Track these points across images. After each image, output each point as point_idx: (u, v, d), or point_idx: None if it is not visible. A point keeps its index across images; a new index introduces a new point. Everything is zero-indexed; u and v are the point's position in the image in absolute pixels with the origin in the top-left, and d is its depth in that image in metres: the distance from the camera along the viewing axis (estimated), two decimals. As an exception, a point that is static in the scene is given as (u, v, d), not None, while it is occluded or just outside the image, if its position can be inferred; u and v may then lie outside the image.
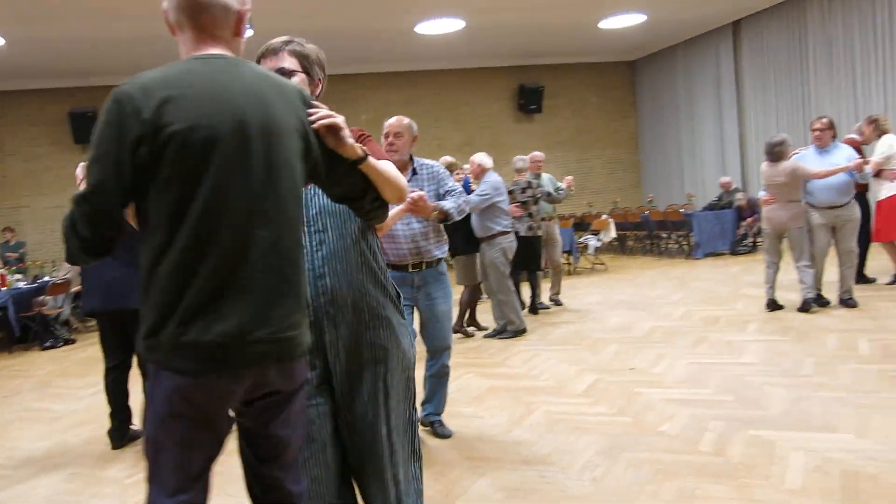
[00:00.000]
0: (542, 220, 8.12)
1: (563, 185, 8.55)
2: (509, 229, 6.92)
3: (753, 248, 12.55)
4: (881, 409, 4.07)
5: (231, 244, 1.74)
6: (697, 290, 8.97)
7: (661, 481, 3.40)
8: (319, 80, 2.35)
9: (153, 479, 1.81)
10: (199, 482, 1.83)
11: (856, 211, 6.96)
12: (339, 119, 1.93)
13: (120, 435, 4.72)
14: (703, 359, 5.60)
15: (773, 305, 7.16)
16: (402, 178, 2.14)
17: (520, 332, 7.06)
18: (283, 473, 1.98)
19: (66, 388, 6.75)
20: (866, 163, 7.08)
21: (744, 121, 15.01)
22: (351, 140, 1.96)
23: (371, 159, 2.03)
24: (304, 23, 11.97)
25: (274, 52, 2.28)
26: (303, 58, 2.30)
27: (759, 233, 12.60)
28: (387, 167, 2.08)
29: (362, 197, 2.06)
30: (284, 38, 2.33)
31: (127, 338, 4.64)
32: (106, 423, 4.82)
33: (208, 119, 1.72)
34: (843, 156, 6.94)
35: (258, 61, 2.26)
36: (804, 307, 6.89)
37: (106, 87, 14.51)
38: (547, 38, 15.10)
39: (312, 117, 1.91)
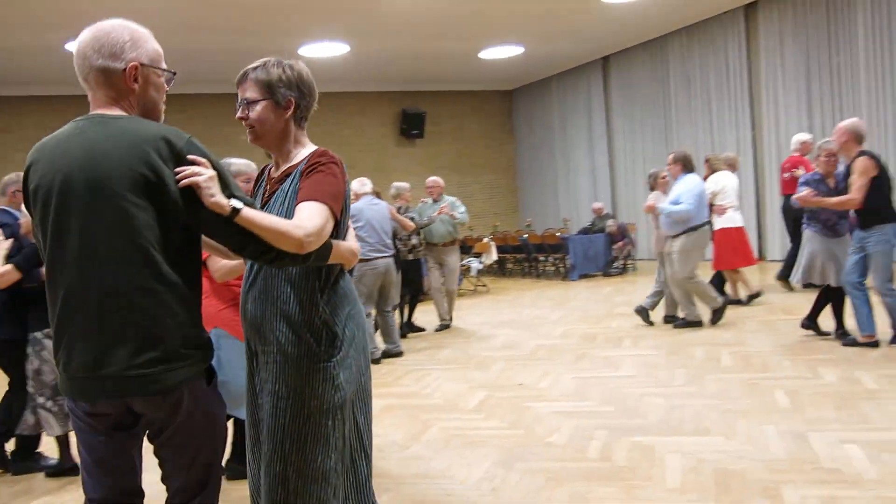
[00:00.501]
0: (433, 244, 8.38)
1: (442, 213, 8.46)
2: (367, 257, 6.92)
3: (624, 271, 13.28)
4: (745, 414, 4.49)
5: (68, 290, 1.97)
6: (575, 310, 9.43)
7: (553, 487, 3.62)
8: (291, 99, 2.28)
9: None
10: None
11: (676, 243, 7.30)
12: (202, 177, 1.94)
13: None
14: (584, 373, 5.94)
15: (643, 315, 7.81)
16: (288, 226, 2.04)
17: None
18: (184, 494, 2.13)
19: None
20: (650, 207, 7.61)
21: (613, 150, 15.93)
22: (216, 197, 1.94)
23: (246, 212, 1.98)
24: (174, 39, 11.77)
25: (241, 80, 2.31)
26: (264, 84, 2.26)
27: (629, 256, 13.40)
28: (265, 220, 2.02)
29: (242, 249, 2.06)
30: (258, 62, 2.30)
31: None
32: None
33: (46, 178, 1.99)
34: (680, 188, 7.34)
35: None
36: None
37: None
38: (430, 66, 15.50)
39: (178, 175, 1.95)
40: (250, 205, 2.03)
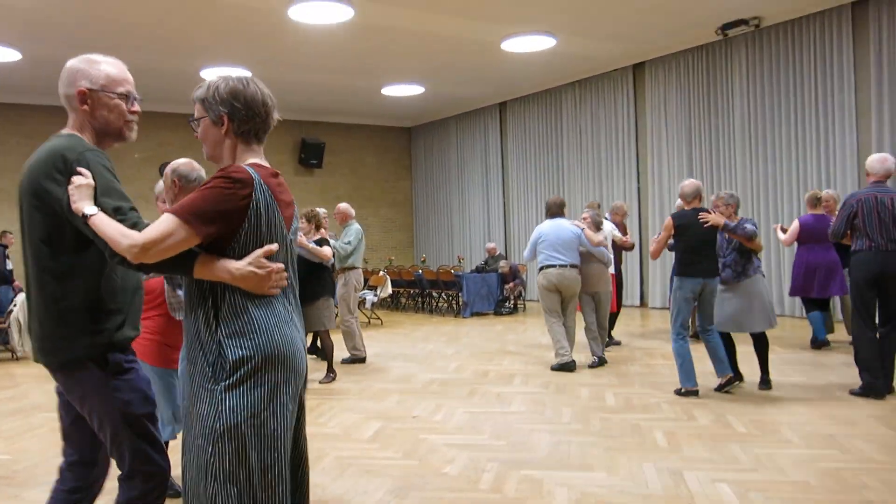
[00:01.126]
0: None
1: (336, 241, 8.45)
2: None
3: (514, 310, 13.67)
4: (626, 451, 4.77)
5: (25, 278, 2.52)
6: (468, 346, 9.64)
7: (448, 516, 3.74)
8: (224, 114, 2.31)
9: None
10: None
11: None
12: (72, 186, 2.33)
13: None
14: (476, 408, 6.12)
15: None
16: (117, 235, 2.19)
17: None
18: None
19: None
20: None
21: (507, 192, 16.45)
22: (75, 204, 2.30)
23: (94, 218, 2.26)
24: (75, 53, 11.39)
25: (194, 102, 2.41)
26: (200, 101, 2.36)
27: (520, 296, 13.80)
28: (105, 227, 2.23)
29: (104, 250, 2.30)
30: (204, 82, 2.39)
31: None
32: None
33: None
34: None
35: None
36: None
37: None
38: (331, 98, 15.61)
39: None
40: (110, 212, 2.30)
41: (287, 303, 2.33)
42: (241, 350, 2.19)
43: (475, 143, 17.23)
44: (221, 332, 2.21)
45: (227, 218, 2.16)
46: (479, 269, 13.93)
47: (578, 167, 14.53)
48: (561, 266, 7.57)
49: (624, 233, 9.28)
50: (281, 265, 2.26)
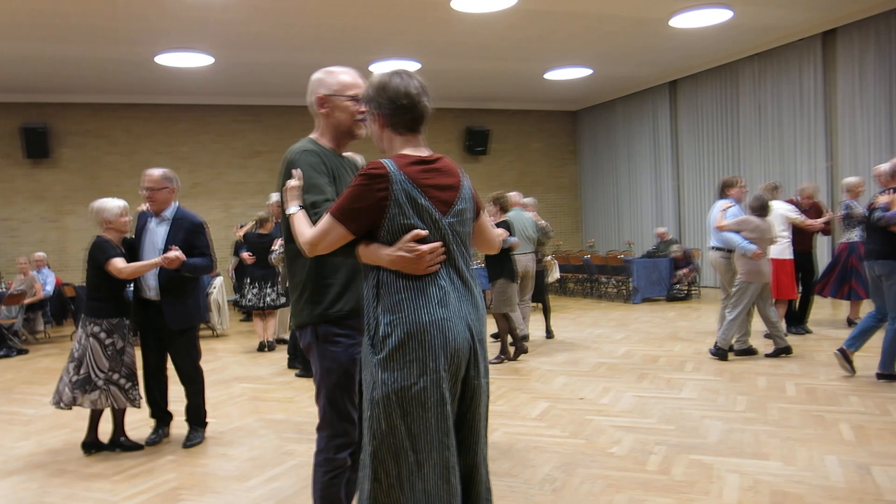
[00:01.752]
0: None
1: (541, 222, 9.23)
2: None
3: (688, 297, 13.24)
4: (806, 442, 4.55)
5: None
6: (637, 332, 9.49)
7: (613, 493, 3.78)
8: (375, 109, 2.53)
9: None
10: None
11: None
12: (286, 187, 2.71)
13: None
14: (645, 392, 6.05)
15: (749, 352, 7.39)
16: (298, 232, 2.58)
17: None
18: None
19: (31, 395, 6.91)
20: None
21: (680, 175, 15.88)
22: (286, 204, 2.69)
23: (294, 217, 2.62)
24: (261, 55, 12.30)
25: None
26: (364, 101, 2.60)
27: (693, 282, 13.34)
28: (296, 225, 2.60)
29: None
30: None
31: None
32: (78, 428, 5.13)
33: None
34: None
35: None
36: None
37: (59, 104, 14.53)
38: (495, 85, 15.75)
39: None
40: (308, 207, 2.63)
41: (446, 282, 2.42)
42: (389, 326, 2.36)
43: (644, 123, 16.76)
44: (379, 308, 2.41)
45: (368, 212, 2.36)
46: (649, 255, 13.60)
47: (758, 146, 13.75)
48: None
49: (818, 215, 8.64)
50: (434, 245, 2.37)
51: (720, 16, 11.04)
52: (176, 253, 4.71)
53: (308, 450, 4.70)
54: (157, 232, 4.97)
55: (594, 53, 13.34)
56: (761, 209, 7.20)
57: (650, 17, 11.12)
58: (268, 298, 9.08)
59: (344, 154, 2.98)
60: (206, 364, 8.00)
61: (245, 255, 9.22)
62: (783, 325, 7.85)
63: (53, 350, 9.96)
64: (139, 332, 5.10)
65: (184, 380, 5.10)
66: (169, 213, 5.00)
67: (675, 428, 4.96)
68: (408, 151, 2.48)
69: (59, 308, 12.26)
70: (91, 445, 4.91)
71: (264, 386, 7.02)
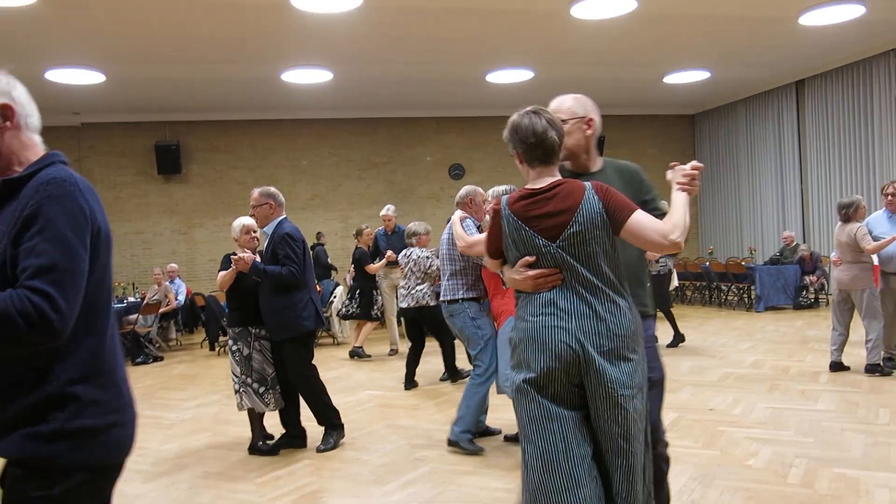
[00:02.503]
0: None
1: None
2: None
3: (815, 304, 12.66)
4: (960, 456, 4.31)
5: None
6: (764, 341, 9.16)
7: (755, 507, 3.69)
8: (514, 151, 2.82)
9: None
10: None
11: None
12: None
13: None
14: (778, 404, 5.86)
15: (837, 367, 7.05)
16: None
17: None
18: None
19: (171, 400, 7.31)
20: None
21: (806, 178, 15.20)
22: None
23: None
24: (378, 69, 12.67)
25: None
26: (506, 141, 2.86)
27: (822, 289, 12.75)
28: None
29: None
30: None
31: None
32: (218, 431, 5.37)
33: None
34: None
35: None
36: (871, 369, 6.84)
37: (188, 122, 15.44)
38: (611, 90, 15.56)
39: None
40: None
41: (557, 297, 2.63)
42: (514, 331, 2.73)
43: (767, 125, 16.14)
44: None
45: (494, 239, 2.80)
46: (773, 261, 13.08)
47: (894, 146, 13.00)
48: None
49: None
50: (541, 270, 2.64)
51: (852, 11, 10.54)
52: (241, 254, 5.03)
53: (438, 456, 4.84)
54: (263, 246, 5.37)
55: (714, 55, 12.99)
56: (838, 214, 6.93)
57: (777, 15, 10.74)
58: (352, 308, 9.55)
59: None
60: (330, 372, 8.39)
61: (389, 254, 9.05)
62: None
63: (186, 357, 10.55)
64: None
65: (295, 388, 5.29)
66: (269, 228, 5.27)
67: (814, 440, 4.79)
68: (530, 185, 2.73)
69: (190, 317, 12.98)
70: (252, 448, 5.25)
71: (390, 393, 7.21)
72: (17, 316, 1.57)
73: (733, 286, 13.51)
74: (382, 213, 9.61)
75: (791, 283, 12.47)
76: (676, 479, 4.12)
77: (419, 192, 16.64)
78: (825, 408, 5.67)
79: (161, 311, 10.99)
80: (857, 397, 5.95)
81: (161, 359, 10.23)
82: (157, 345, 10.98)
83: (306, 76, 12.69)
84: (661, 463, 3.00)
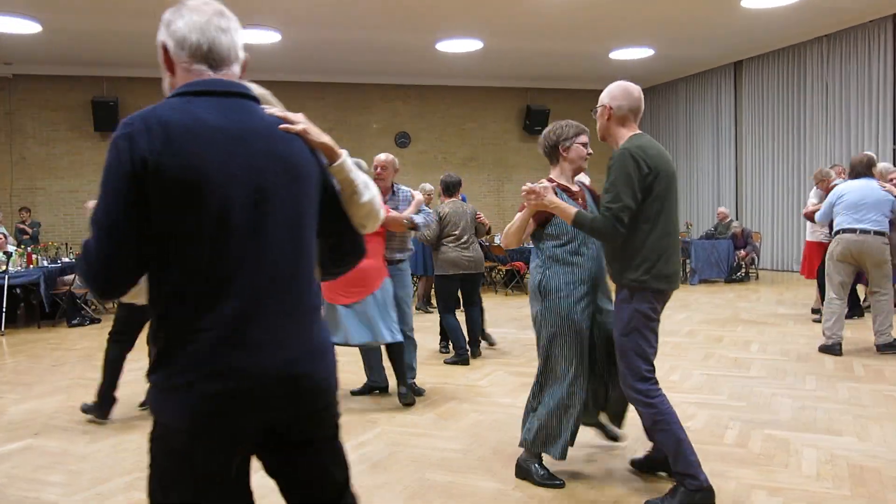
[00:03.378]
0: None
1: None
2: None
3: (746, 278, 13.18)
4: (878, 420, 4.63)
5: None
6: (699, 312, 9.55)
7: (693, 465, 3.91)
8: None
9: None
10: None
11: None
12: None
13: None
14: (713, 371, 6.16)
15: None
16: None
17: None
18: None
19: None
20: None
21: (740, 155, 15.72)
22: None
23: None
24: (328, 33, 12.51)
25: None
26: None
27: (752, 263, 13.28)
28: None
29: None
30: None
31: None
32: None
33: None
34: None
35: None
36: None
37: (128, 78, 14.97)
38: (557, 64, 15.73)
39: None
40: None
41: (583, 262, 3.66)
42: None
43: (706, 104, 16.60)
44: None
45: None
46: (708, 235, 13.55)
47: (823, 127, 13.55)
48: (863, 232, 6.53)
49: None
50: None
51: (792, -4, 10.91)
52: None
53: (389, 418, 4.95)
54: None
55: (660, 32, 13.26)
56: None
57: (721, -4, 11.03)
58: None
59: None
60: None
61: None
62: None
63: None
64: None
65: None
66: None
67: (746, 404, 5.08)
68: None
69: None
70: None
71: (345, 358, 7.24)
72: (79, 261, 1.64)
73: (669, 259, 13.92)
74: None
75: (724, 257, 12.95)
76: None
77: (365, 159, 16.53)
78: (756, 374, 5.99)
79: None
80: (785, 365, 6.29)
81: (99, 321, 10.03)
82: (94, 306, 10.77)
83: (254, 36, 12.46)
84: None
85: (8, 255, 9.55)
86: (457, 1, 11.04)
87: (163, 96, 1.75)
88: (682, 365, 6.40)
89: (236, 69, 1.79)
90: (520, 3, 11.03)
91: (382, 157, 5.62)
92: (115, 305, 5.68)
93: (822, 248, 8.08)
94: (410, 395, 5.39)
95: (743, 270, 13.25)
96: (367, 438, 4.61)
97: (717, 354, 6.82)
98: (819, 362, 6.35)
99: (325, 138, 1.89)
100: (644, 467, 3.87)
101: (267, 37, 12.51)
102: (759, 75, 15.09)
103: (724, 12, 11.88)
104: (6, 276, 9.17)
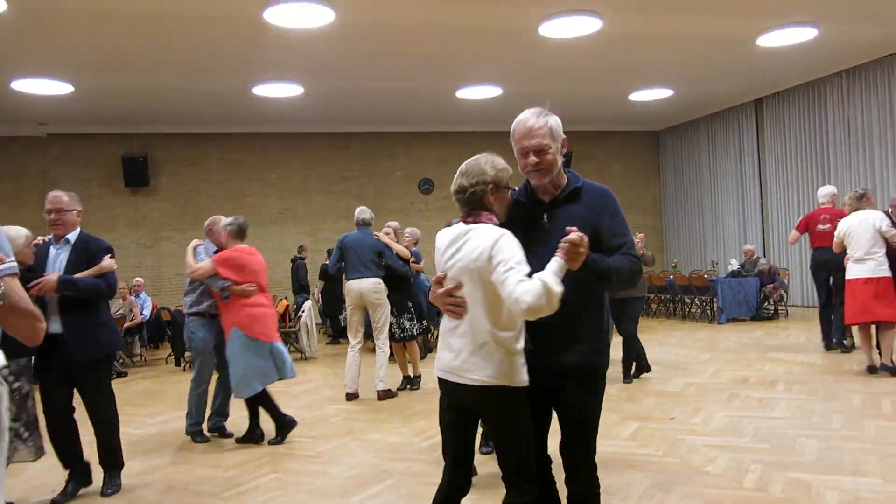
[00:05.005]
0: None
1: None
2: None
3: (775, 315, 12.99)
4: (905, 460, 4.52)
5: None
6: (725, 352, 9.42)
7: (712, 510, 3.86)
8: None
9: None
10: None
11: None
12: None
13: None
14: (737, 412, 6.06)
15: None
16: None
17: None
18: None
19: (135, 416, 7.27)
20: None
21: (766, 193, 15.62)
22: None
23: None
24: (351, 84, 12.79)
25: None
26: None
27: (781, 300, 13.10)
28: None
29: None
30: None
31: None
32: (182, 447, 5.49)
33: None
34: None
35: None
36: None
37: (157, 134, 15.40)
38: (577, 107, 15.88)
39: None
40: None
41: None
42: None
43: (728, 142, 16.58)
44: None
45: None
46: (735, 273, 13.41)
47: (846, 162, 13.45)
48: None
49: None
50: None
51: (806, 34, 10.96)
52: (47, 276, 4.40)
53: (405, 468, 4.93)
54: (59, 258, 4.61)
55: (678, 73, 13.36)
56: None
57: (737, 36, 11.11)
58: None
59: None
60: (297, 385, 8.41)
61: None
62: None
63: (151, 372, 10.47)
64: (41, 373, 4.56)
65: (96, 419, 4.67)
66: (73, 236, 4.67)
67: (769, 446, 4.99)
68: None
69: (156, 332, 12.88)
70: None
71: (356, 407, 7.26)
72: None
73: (696, 299, 13.81)
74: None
75: (752, 295, 12.80)
76: (638, 486, 4.29)
77: (389, 206, 16.76)
78: (781, 415, 5.89)
79: (126, 325, 10.93)
80: (812, 404, 6.18)
81: (125, 374, 10.15)
82: (121, 360, 10.89)
83: (278, 90, 12.78)
84: None
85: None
86: (476, 50, 11.25)
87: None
88: (706, 406, 6.31)
89: None
90: (536, 49, 11.20)
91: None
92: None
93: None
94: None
95: (772, 307, 13.06)
96: (379, 490, 4.60)
97: (742, 395, 6.71)
98: (846, 400, 6.22)
99: None
100: None
101: (291, 90, 12.82)
102: (780, 112, 15.08)
103: (741, 52, 11.94)
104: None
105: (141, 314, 11.68)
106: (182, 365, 10.78)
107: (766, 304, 12.96)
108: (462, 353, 2.65)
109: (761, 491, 4.11)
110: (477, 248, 2.61)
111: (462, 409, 2.75)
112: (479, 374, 2.61)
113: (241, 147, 16.16)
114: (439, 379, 2.78)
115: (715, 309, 12.95)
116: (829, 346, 8.96)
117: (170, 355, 11.46)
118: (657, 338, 11.32)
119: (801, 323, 12.16)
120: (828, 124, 13.87)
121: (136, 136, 15.50)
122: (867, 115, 13.01)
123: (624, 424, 5.84)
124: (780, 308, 13.28)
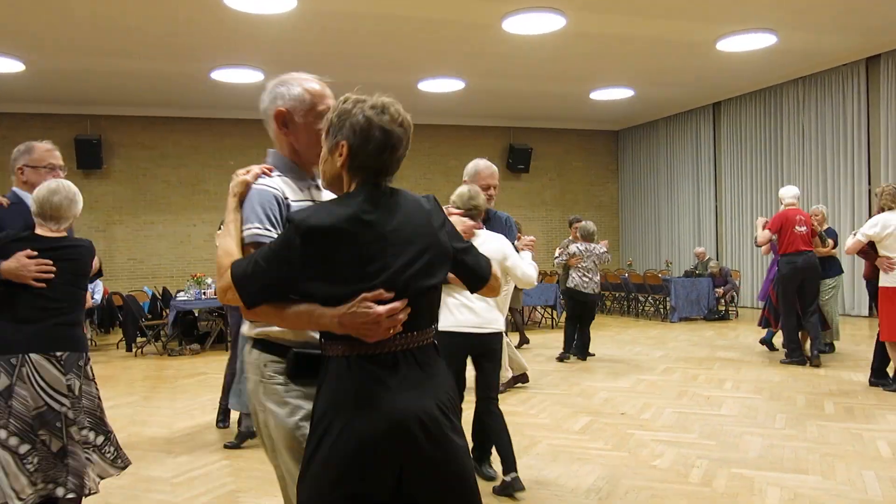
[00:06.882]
0: None
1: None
2: None
3: (725, 316, 13.25)
4: (844, 458, 4.65)
5: None
6: (676, 350, 9.58)
7: (658, 503, 3.92)
8: None
9: None
10: None
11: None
12: None
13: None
14: (685, 409, 6.17)
15: None
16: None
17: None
18: None
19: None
20: None
21: (720, 194, 15.91)
22: None
23: None
24: (312, 72, 12.63)
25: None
26: None
27: (732, 301, 13.36)
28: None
29: None
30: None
31: None
32: (132, 433, 5.34)
33: None
34: None
35: None
36: None
37: (112, 116, 15.06)
38: (539, 104, 15.97)
39: None
40: None
41: None
42: None
43: (686, 144, 16.84)
44: None
45: None
46: (688, 274, 13.64)
47: (800, 168, 13.76)
48: None
49: None
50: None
51: (765, 40, 11.16)
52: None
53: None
54: None
55: (639, 74, 13.50)
56: None
57: (697, 40, 11.26)
58: None
59: None
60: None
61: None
62: None
63: (101, 357, 10.24)
64: None
65: None
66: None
67: (715, 443, 5.08)
68: None
69: (107, 316, 12.64)
70: None
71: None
72: None
73: (650, 297, 14.01)
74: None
75: (703, 295, 13.03)
76: (586, 479, 4.34)
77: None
78: (727, 413, 6.01)
79: (87, 306, 10.68)
80: (757, 403, 6.32)
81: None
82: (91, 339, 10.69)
83: (237, 76, 12.59)
84: None
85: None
86: (439, 42, 11.22)
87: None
88: (656, 403, 6.41)
89: None
90: (500, 44, 11.22)
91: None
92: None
93: None
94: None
95: (723, 308, 13.32)
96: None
97: (690, 392, 6.83)
98: (791, 400, 6.37)
99: None
100: None
101: (250, 76, 12.65)
102: (737, 116, 15.36)
103: (701, 55, 12.12)
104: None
105: (92, 298, 11.39)
106: (133, 350, 10.60)
107: (717, 306, 13.21)
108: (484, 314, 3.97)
109: (706, 486, 4.20)
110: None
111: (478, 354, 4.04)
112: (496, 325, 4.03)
113: (198, 132, 15.88)
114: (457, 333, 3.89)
115: (668, 308, 13.15)
116: (802, 362, 8.03)
117: (121, 340, 11.25)
118: (610, 334, 11.46)
119: (751, 324, 12.40)
120: (783, 130, 14.16)
121: (89, 118, 15.12)
122: (821, 122, 13.32)
123: (575, 418, 5.91)
124: (730, 309, 13.54)
